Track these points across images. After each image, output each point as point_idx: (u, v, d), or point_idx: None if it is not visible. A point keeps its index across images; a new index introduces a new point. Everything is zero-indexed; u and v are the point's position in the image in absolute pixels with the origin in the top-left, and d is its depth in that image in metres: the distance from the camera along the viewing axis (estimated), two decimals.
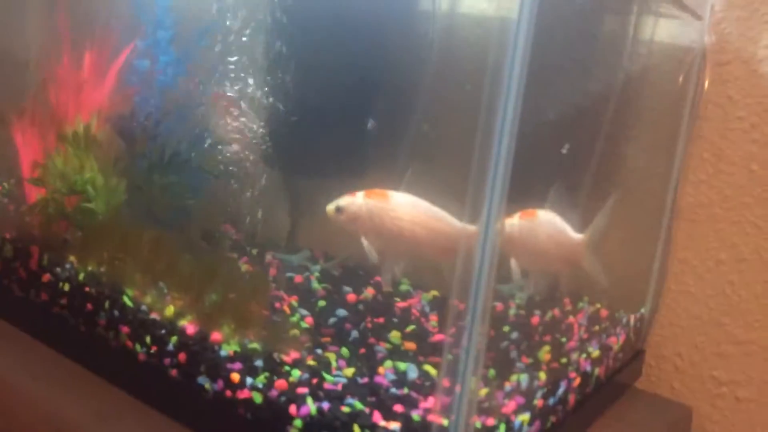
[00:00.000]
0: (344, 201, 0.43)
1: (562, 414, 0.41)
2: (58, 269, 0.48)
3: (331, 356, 0.40)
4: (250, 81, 0.51)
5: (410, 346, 0.43)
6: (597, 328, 0.48)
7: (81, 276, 0.47)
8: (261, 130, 0.51)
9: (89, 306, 0.46)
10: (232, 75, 0.51)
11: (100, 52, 0.53)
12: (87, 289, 0.46)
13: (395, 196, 0.43)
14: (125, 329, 0.44)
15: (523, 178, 0.33)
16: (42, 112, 0.53)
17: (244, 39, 0.52)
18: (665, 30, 0.50)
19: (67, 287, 0.47)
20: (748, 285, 0.51)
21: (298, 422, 0.36)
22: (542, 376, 0.40)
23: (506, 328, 0.44)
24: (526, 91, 0.31)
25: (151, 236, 0.46)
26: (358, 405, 0.35)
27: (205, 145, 0.52)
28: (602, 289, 0.48)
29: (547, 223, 0.42)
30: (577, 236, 0.43)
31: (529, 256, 0.42)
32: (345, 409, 0.35)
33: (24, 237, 0.51)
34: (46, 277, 0.49)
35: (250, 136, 0.51)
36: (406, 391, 0.37)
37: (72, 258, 0.48)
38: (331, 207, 0.43)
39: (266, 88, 0.51)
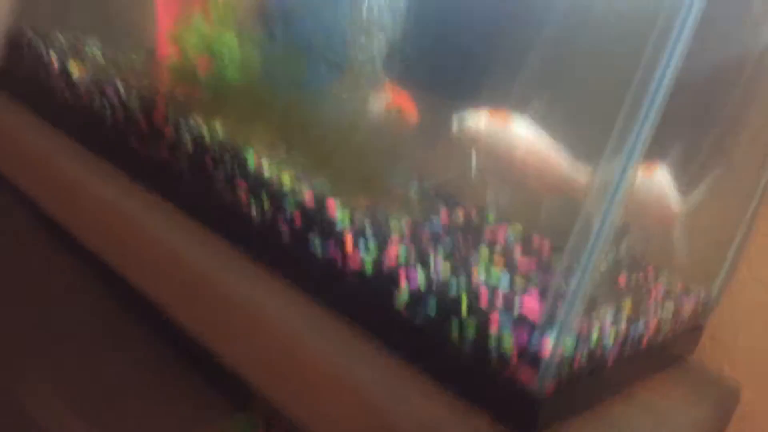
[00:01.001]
0: (469, 115, 0.46)
1: (615, 358, 0.43)
2: (183, 127, 0.51)
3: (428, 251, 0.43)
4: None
5: (499, 260, 0.45)
6: (670, 295, 0.50)
7: (208, 135, 0.50)
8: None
9: (211, 162, 0.49)
10: None
11: None
12: (214, 147, 0.49)
13: (517, 122, 0.45)
14: (243, 184, 0.47)
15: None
16: None
17: None
18: None
19: (190, 143, 0.50)
20: None
21: (402, 297, 0.38)
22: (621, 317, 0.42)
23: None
24: (686, 44, 0.32)
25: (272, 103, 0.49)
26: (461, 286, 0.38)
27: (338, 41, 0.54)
28: (681, 260, 0.50)
29: None
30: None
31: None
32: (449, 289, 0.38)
33: (152, 93, 0.54)
34: (168, 132, 0.52)
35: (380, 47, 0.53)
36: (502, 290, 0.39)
37: (198, 118, 0.51)
38: (455, 119, 0.46)
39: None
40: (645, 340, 0.44)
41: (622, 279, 0.47)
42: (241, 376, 0.41)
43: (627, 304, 0.43)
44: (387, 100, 0.52)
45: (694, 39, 0.32)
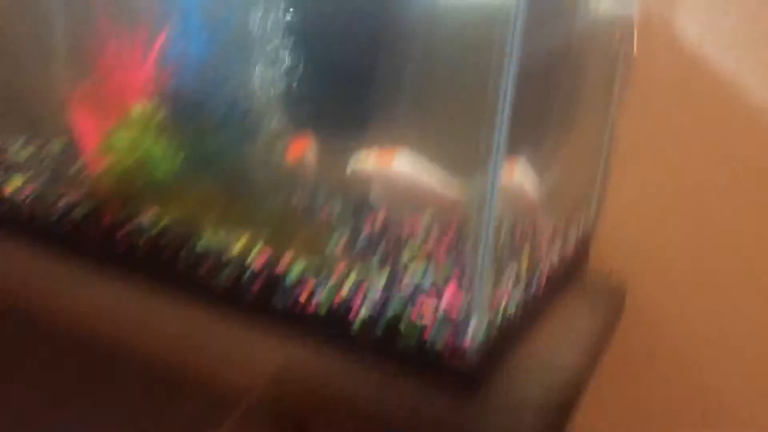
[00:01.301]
0: (358, 164, 0.57)
1: (533, 303, 0.56)
2: (132, 224, 0.60)
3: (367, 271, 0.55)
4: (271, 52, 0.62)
5: (422, 259, 0.58)
6: (555, 239, 0.64)
7: (155, 227, 0.59)
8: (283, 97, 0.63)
9: (167, 250, 0.59)
10: (256, 48, 0.62)
11: (137, 42, 0.63)
12: (163, 237, 0.59)
13: (399, 158, 0.57)
14: (202, 265, 0.57)
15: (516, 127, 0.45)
16: (96, 97, 0.63)
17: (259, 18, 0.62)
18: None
19: (142, 237, 0.60)
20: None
21: (356, 323, 0.51)
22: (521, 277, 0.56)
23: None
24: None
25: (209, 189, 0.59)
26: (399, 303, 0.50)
27: (235, 111, 0.64)
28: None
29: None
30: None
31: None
32: (392, 306, 0.50)
33: (97, 198, 0.62)
34: (121, 231, 0.61)
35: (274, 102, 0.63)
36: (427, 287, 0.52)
37: (144, 213, 0.60)
38: (349, 168, 0.57)
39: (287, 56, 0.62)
40: (543, 281, 0.58)
41: (511, 252, 0.60)
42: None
43: (523, 264, 0.57)
44: (291, 151, 0.62)
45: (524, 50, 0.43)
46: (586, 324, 0.62)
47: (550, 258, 0.61)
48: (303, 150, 0.62)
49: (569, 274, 0.67)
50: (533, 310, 0.57)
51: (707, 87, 0.64)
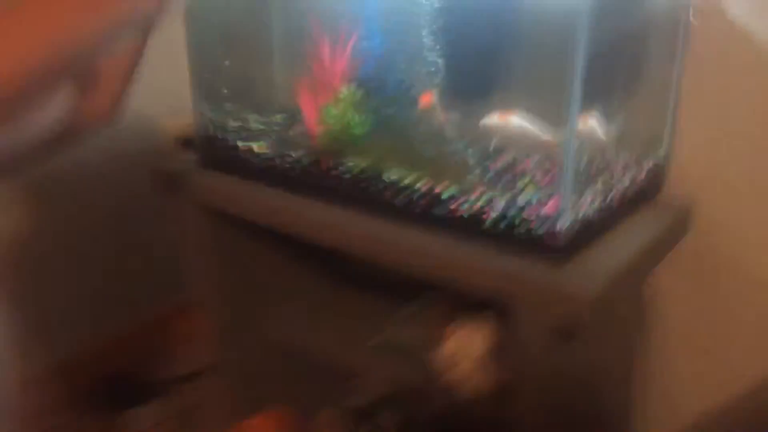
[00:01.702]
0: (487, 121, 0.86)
1: (609, 212, 0.83)
2: (341, 167, 0.93)
3: (496, 192, 0.84)
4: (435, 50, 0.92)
5: (530, 187, 0.86)
6: (629, 167, 0.90)
7: (356, 168, 0.92)
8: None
9: (363, 183, 0.91)
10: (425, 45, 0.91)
11: (337, 44, 0.95)
12: (361, 174, 0.91)
13: (513, 119, 0.85)
14: (387, 191, 0.89)
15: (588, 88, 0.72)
16: (312, 84, 0.96)
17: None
18: None
19: (347, 175, 0.93)
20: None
21: (488, 222, 0.80)
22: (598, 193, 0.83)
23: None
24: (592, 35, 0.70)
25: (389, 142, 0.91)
26: (515, 211, 0.79)
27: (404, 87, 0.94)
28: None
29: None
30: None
31: None
32: (511, 212, 0.79)
33: (314, 153, 0.96)
34: (334, 172, 0.94)
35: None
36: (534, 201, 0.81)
37: (347, 160, 0.93)
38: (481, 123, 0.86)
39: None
40: (617, 198, 0.85)
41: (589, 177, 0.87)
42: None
43: (599, 186, 0.84)
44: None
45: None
46: (652, 229, 0.88)
47: (623, 183, 0.87)
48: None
49: (643, 195, 0.92)
50: (608, 217, 0.84)
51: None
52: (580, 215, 0.79)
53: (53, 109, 0.86)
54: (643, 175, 0.91)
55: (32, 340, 1.37)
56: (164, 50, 0.90)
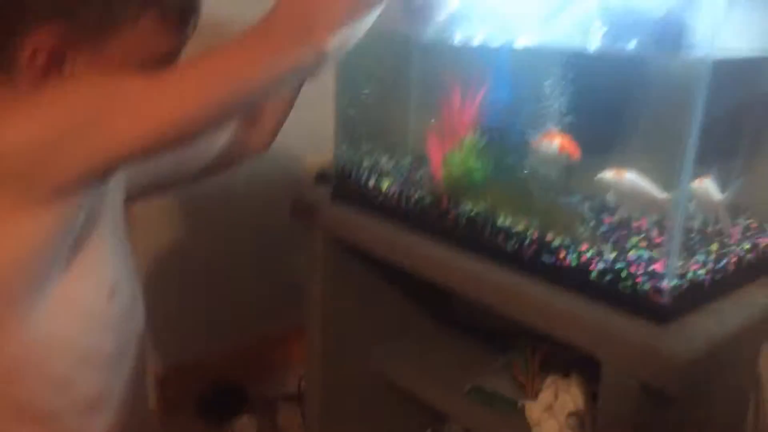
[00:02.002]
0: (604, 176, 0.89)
1: (721, 275, 0.82)
2: (458, 209, 0.99)
3: (605, 246, 0.86)
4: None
5: (642, 243, 0.87)
6: (749, 233, 0.88)
7: (472, 212, 0.98)
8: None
9: (478, 226, 0.96)
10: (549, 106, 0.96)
11: (468, 94, 1.02)
12: (476, 217, 0.97)
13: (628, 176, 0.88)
14: (500, 236, 0.93)
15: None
16: (440, 131, 1.04)
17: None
18: None
19: (464, 217, 0.99)
20: None
21: (594, 272, 0.83)
22: (711, 256, 0.82)
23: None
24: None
25: (505, 189, 0.96)
26: (622, 265, 0.81)
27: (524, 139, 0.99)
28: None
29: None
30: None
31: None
32: (618, 265, 0.81)
33: (436, 194, 1.03)
34: (451, 213, 1.00)
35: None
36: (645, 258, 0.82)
37: (465, 203, 0.99)
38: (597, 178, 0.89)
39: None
40: (731, 267, 0.84)
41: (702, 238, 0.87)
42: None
43: (713, 248, 0.83)
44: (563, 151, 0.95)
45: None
46: (765, 302, 0.85)
47: (741, 248, 0.86)
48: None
49: (764, 264, 0.90)
50: (722, 282, 0.83)
51: None
52: (689, 276, 0.80)
53: (220, 138, 1.01)
54: (764, 244, 0.89)
55: (164, 341, 1.53)
56: (313, 94, 1.02)
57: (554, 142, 0.95)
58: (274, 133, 1.06)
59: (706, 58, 0.68)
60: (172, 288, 1.54)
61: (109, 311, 0.78)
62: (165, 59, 0.74)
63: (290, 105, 1.03)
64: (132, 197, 0.92)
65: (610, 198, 0.91)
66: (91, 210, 0.74)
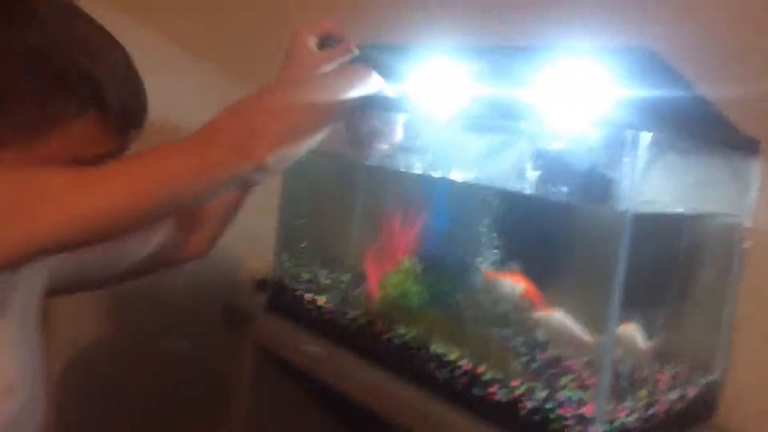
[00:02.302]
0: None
1: (651, 424, 0.82)
2: (392, 333, 0.98)
3: (536, 384, 0.85)
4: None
5: (573, 384, 0.87)
6: (677, 381, 0.89)
7: (406, 336, 0.96)
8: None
9: (411, 351, 0.94)
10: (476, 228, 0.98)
11: (408, 219, 1.03)
12: (410, 343, 0.95)
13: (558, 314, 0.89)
14: (432, 364, 0.91)
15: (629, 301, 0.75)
16: (379, 252, 1.04)
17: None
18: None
19: (397, 342, 0.97)
20: None
21: (523, 411, 0.81)
22: (640, 403, 0.82)
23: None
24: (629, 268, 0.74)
25: (440, 316, 0.95)
26: (552, 405, 0.80)
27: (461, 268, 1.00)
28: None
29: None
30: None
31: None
32: (548, 405, 0.80)
33: (371, 315, 1.01)
34: (385, 336, 0.98)
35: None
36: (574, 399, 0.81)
37: (399, 327, 0.97)
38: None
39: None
40: (661, 415, 0.83)
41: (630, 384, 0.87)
42: None
43: (641, 394, 0.83)
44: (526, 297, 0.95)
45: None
46: None
47: (669, 397, 0.86)
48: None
49: (693, 414, 0.90)
50: (650, 430, 0.82)
51: None
52: (618, 423, 0.78)
53: (151, 238, 0.98)
54: (692, 394, 0.89)
55: None
56: (259, 198, 1.02)
57: (517, 286, 0.93)
58: (214, 240, 1.05)
59: (627, 211, 0.71)
60: (86, 386, 1.45)
61: (4, 410, 0.72)
62: (94, 164, 0.73)
63: (233, 213, 1.02)
64: (55, 291, 0.87)
65: (541, 335, 0.91)
66: (2, 304, 0.70)
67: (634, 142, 0.68)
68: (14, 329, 0.75)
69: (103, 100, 0.70)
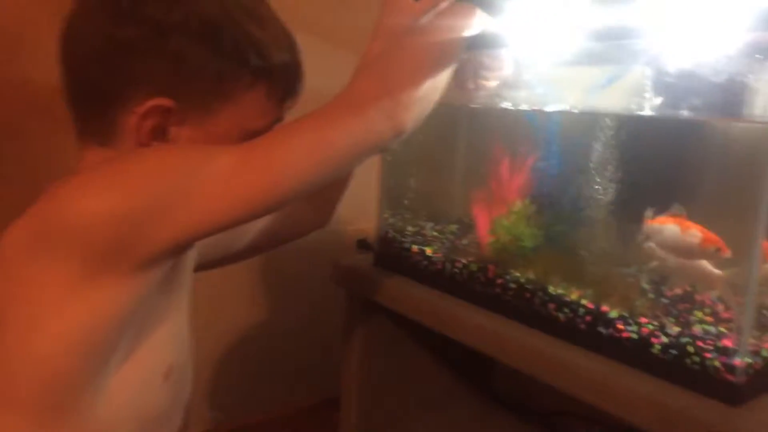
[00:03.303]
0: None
1: None
2: (506, 277, 0.95)
3: (666, 320, 0.81)
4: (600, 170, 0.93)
5: (708, 318, 0.82)
6: None
7: (522, 279, 0.93)
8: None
9: (528, 295, 0.92)
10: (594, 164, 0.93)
11: (518, 160, 1.00)
12: (526, 286, 0.92)
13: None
14: (551, 305, 0.89)
15: None
16: (488, 197, 1.01)
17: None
18: None
19: (512, 285, 0.94)
20: None
21: (656, 346, 0.77)
22: None
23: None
24: None
25: (554, 257, 0.92)
26: (687, 339, 0.75)
27: (576, 207, 0.96)
28: None
29: None
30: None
31: None
32: (683, 339, 0.75)
33: (482, 261, 0.99)
34: (499, 281, 0.96)
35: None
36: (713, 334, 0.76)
37: (513, 271, 0.95)
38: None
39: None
40: None
41: None
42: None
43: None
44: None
45: None
46: None
47: None
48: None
49: None
50: None
51: None
52: (763, 354, 0.73)
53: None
54: None
55: (197, 409, 1.48)
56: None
57: (693, 232, 0.82)
58: (333, 210, 1.05)
59: None
60: (208, 353, 1.51)
61: (162, 393, 0.74)
62: (259, 135, 0.74)
63: (349, 181, 1.02)
64: (199, 268, 0.89)
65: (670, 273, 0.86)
66: (167, 283, 0.71)
67: None
68: (175, 309, 0.76)
69: (272, 71, 0.71)
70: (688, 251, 0.80)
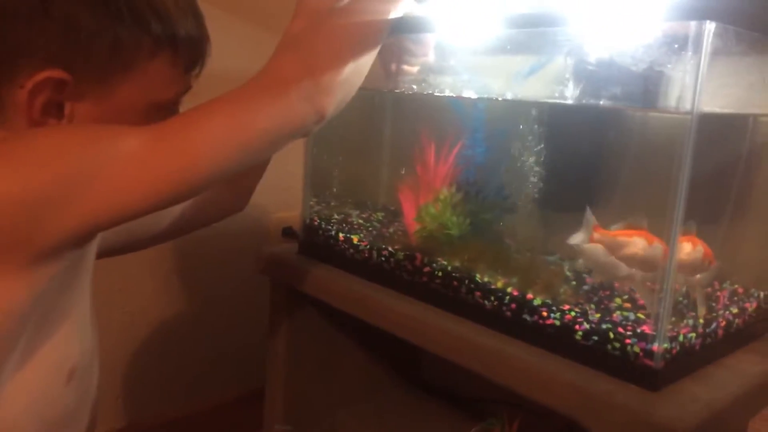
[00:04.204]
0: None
1: (711, 340, 0.78)
2: (433, 265, 0.94)
3: (588, 307, 0.82)
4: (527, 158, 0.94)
5: (627, 305, 0.83)
6: (736, 298, 0.85)
7: (448, 268, 0.92)
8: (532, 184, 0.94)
9: (454, 283, 0.91)
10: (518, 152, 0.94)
11: (444, 147, 0.99)
12: (453, 274, 0.92)
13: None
14: (477, 293, 0.88)
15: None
16: (414, 184, 1.00)
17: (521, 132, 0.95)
18: None
19: (439, 274, 0.93)
20: None
21: (579, 333, 0.78)
22: (700, 320, 0.78)
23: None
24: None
25: (480, 246, 0.91)
26: (608, 326, 0.76)
27: (502, 196, 0.96)
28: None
29: None
30: None
31: None
32: (604, 326, 0.76)
33: (409, 249, 0.98)
34: (426, 269, 0.95)
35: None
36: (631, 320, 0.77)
37: (439, 259, 0.94)
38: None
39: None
40: (720, 332, 0.80)
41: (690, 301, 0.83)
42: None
43: (701, 312, 0.79)
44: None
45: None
46: (757, 371, 0.81)
47: (729, 313, 0.82)
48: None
49: (754, 330, 0.86)
50: (713, 347, 0.79)
51: None
52: (681, 339, 0.75)
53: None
54: (753, 308, 0.86)
55: (109, 404, 1.42)
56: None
57: (697, 248, 0.80)
58: (249, 194, 1.02)
59: (693, 113, 0.66)
60: (124, 346, 1.44)
61: (66, 395, 0.68)
62: (166, 108, 0.68)
63: (265, 166, 0.98)
64: (101, 255, 0.84)
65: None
66: (71, 275, 0.66)
67: (698, 35, 0.63)
68: (79, 303, 0.71)
69: (175, 38, 0.66)
70: (654, 265, 0.79)
